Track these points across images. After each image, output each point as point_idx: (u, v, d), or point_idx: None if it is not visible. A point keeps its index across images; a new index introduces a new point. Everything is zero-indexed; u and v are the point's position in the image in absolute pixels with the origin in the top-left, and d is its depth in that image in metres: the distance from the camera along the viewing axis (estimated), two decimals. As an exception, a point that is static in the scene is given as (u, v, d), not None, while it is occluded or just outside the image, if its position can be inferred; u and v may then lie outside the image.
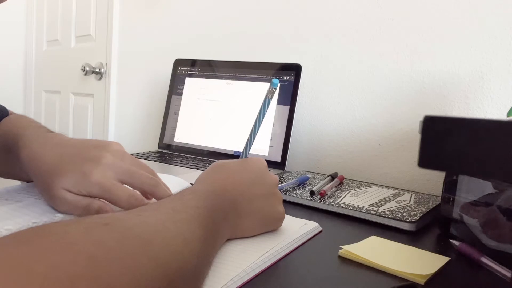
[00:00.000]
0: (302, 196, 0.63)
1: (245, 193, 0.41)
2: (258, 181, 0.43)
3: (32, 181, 0.49)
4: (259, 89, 0.93)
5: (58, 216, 0.42)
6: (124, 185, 0.42)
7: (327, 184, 0.69)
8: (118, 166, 0.42)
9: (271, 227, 0.45)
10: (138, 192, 0.42)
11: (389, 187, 0.75)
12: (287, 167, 0.86)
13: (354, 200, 0.62)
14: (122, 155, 0.43)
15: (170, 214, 0.32)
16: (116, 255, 0.24)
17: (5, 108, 0.58)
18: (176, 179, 0.59)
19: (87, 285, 0.21)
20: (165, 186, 0.44)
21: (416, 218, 0.54)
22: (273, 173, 0.47)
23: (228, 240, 0.41)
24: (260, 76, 0.93)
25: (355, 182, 0.78)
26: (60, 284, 0.20)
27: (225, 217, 0.38)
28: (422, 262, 0.42)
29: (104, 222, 0.26)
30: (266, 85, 0.92)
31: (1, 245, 0.21)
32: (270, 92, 0.48)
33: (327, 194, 0.65)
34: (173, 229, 0.30)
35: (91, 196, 0.41)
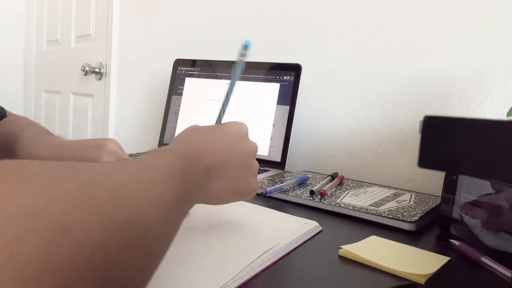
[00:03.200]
0: (302, 196, 0.63)
1: (219, 159, 0.39)
2: (234, 148, 0.41)
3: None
4: (259, 89, 0.93)
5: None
6: None
7: (327, 184, 0.69)
8: None
9: (242, 198, 0.43)
10: None
11: (389, 187, 0.75)
12: (287, 167, 0.86)
13: (354, 200, 0.62)
14: (118, 155, 0.44)
15: (143, 172, 0.30)
16: (80, 197, 0.22)
17: (3, 109, 0.58)
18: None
19: (45, 221, 0.19)
20: None
21: (416, 218, 0.54)
22: (253, 141, 0.44)
23: (227, 240, 0.41)
24: (260, 76, 0.93)
25: (355, 182, 0.78)
26: (15, 217, 0.18)
27: (196, 181, 0.37)
28: (422, 262, 0.42)
29: (72, 165, 0.25)
30: (266, 85, 0.93)
31: None
32: (241, 55, 0.43)
33: (327, 194, 0.65)
34: (145, 186, 0.28)
35: None
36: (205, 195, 0.39)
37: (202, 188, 0.38)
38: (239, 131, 0.42)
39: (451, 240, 0.47)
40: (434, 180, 0.79)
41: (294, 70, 0.89)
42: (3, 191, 0.19)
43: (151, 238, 0.26)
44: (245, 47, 0.39)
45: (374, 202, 0.62)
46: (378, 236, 0.49)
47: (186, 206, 0.35)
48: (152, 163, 0.32)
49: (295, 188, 0.68)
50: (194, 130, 0.41)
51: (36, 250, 0.18)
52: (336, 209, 0.59)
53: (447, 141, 0.24)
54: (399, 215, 0.55)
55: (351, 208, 0.58)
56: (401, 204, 0.62)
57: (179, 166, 0.34)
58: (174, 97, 1.05)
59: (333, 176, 0.75)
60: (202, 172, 0.37)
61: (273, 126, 0.88)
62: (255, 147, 0.44)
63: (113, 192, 0.25)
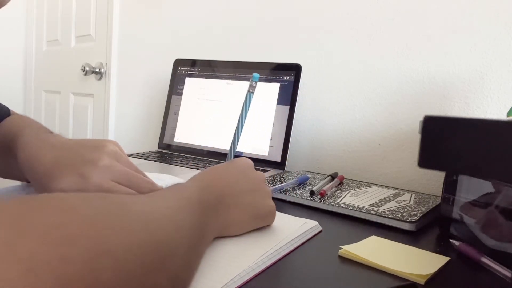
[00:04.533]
0: (302, 196, 0.63)
1: (231, 188, 0.42)
2: (243, 177, 0.44)
3: (32, 181, 0.49)
4: (259, 89, 0.92)
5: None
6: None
7: (327, 184, 0.69)
8: (116, 169, 0.42)
9: (262, 222, 0.45)
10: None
11: (389, 187, 0.75)
12: (287, 167, 0.86)
13: (354, 200, 0.62)
14: (118, 157, 0.44)
15: (163, 202, 0.33)
16: (114, 224, 0.24)
17: (7, 108, 0.58)
18: (176, 180, 0.59)
19: (87, 245, 0.21)
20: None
21: (416, 218, 0.54)
22: (261, 172, 0.48)
23: (227, 240, 0.41)
24: (260, 76, 0.93)
25: (355, 182, 0.78)
26: (62, 241, 0.20)
27: (214, 211, 0.38)
28: (422, 262, 0.42)
29: (102, 196, 0.28)
30: (266, 85, 0.93)
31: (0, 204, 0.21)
32: (252, 86, 0.48)
33: (327, 194, 0.65)
34: (167, 214, 0.31)
35: None
36: (225, 223, 0.41)
37: (221, 217, 0.40)
38: (246, 165, 0.46)
39: (451, 240, 0.47)
40: (434, 180, 0.79)
41: (294, 70, 0.89)
42: (48, 220, 0.21)
43: (177, 262, 0.28)
44: (255, 78, 0.46)
45: (374, 202, 0.62)
46: (378, 236, 0.49)
47: (206, 236, 0.36)
48: (171, 195, 0.35)
49: (295, 188, 0.68)
50: (206, 169, 0.45)
51: (83, 269, 0.20)
52: (336, 209, 0.59)
53: (447, 141, 0.24)
54: (399, 215, 0.55)
55: (351, 208, 0.58)
56: (401, 204, 0.62)
57: (194, 196, 0.36)
58: (174, 97, 1.05)
59: (333, 176, 0.75)
60: (217, 200, 0.39)
61: (273, 126, 0.88)
62: (262, 175, 0.47)
63: (142, 219, 0.27)
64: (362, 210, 0.57)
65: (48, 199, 0.24)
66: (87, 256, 0.21)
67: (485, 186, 0.47)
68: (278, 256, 0.40)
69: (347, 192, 0.68)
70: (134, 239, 0.25)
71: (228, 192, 0.41)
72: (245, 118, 0.49)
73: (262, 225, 0.45)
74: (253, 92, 0.48)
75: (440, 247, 0.49)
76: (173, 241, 0.29)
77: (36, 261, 0.19)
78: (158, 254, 0.26)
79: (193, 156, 0.95)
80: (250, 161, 0.47)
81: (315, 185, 0.68)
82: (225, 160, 0.49)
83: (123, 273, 0.23)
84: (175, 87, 1.06)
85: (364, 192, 0.69)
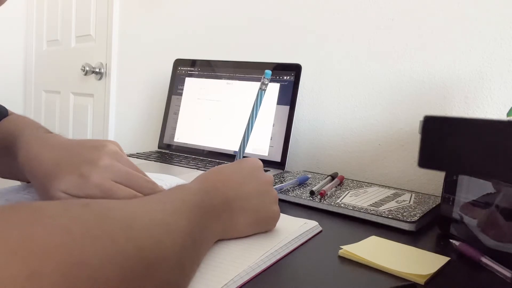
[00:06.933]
0: (302, 196, 0.63)
1: (237, 191, 0.41)
2: (251, 179, 0.43)
3: (32, 181, 0.49)
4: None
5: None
6: None
7: (327, 184, 0.69)
8: (116, 168, 0.41)
9: (265, 227, 0.45)
10: (138, 193, 0.42)
11: (389, 187, 0.75)
12: (287, 167, 0.86)
13: (354, 200, 0.62)
14: (119, 157, 0.43)
15: (155, 204, 0.32)
16: (93, 233, 0.24)
17: (5, 108, 0.58)
18: (176, 179, 0.59)
19: (61, 257, 0.21)
20: (162, 189, 0.44)
21: (416, 218, 0.54)
22: (268, 173, 0.47)
23: (227, 240, 0.41)
24: (260, 76, 0.93)
25: (355, 182, 0.78)
26: (33, 255, 0.20)
27: (216, 214, 0.38)
28: (422, 262, 0.42)
29: (84, 203, 0.27)
30: (266, 85, 0.92)
31: None
32: (263, 84, 0.48)
33: (327, 194, 0.65)
34: (156, 218, 0.30)
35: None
36: (227, 227, 0.40)
37: (224, 221, 0.39)
38: (254, 166, 0.45)
39: (451, 240, 0.47)
40: (434, 180, 0.79)
41: (294, 70, 0.89)
42: (22, 233, 0.20)
43: (166, 268, 0.27)
44: (267, 75, 0.46)
45: (374, 202, 0.62)
46: (378, 236, 0.49)
47: (205, 239, 0.36)
48: (166, 198, 0.34)
49: (295, 188, 0.68)
50: (212, 169, 0.43)
51: (56, 283, 0.20)
52: (336, 209, 0.59)
53: (447, 141, 0.24)
54: (399, 215, 0.55)
55: (351, 208, 0.58)
56: (401, 204, 0.62)
57: (194, 199, 0.35)
58: (174, 97, 1.05)
59: (333, 176, 0.75)
60: (221, 204, 0.39)
61: (273, 126, 0.88)
62: (270, 177, 0.46)
63: (124, 224, 0.26)
64: (362, 210, 0.57)
65: (22, 209, 0.23)
66: (61, 269, 0.20)
67: (485, 186, 0.47)
68: (278, 256, 0.40)
69: (347, 192, 0.68)
70: (113, 246, 0.24)
71: (234, 196, 0.40)
72: (255, 116, 0.48)
73: (263, 230, 0.44)
74: (264, 90, 0.48)
75: (440, 247, 0.49)
76: (161, 245, 0.28)
77: (2, 279, 0.18)
78: (142, 260, 0.25)
79: (193, 156, 0.95)
80: (260, 162, 0.46)
81: (315, 185, 0.68)
82: (227, 160, 0.48)
83: (101, 282, 0.22)
84: (175, 87, 1.06)
85: (364, 192, 0.69)
